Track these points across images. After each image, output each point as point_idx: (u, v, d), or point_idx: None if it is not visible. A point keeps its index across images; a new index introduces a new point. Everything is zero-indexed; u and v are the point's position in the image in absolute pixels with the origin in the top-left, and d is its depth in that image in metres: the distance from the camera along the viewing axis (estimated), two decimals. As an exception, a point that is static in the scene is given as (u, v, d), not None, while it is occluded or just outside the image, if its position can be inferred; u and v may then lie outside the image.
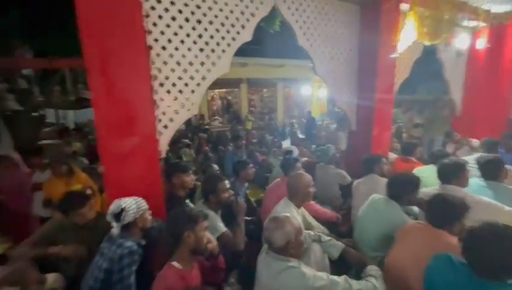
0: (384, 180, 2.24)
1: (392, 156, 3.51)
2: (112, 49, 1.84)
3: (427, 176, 2.43)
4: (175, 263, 1.34)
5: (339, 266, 1.79)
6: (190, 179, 2.31)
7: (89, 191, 2.26)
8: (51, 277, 1.38)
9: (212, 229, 1.79)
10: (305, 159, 3.88)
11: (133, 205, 1.63)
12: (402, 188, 1.98)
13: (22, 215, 3.19)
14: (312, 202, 2.51)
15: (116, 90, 1.90)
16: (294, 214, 1.84)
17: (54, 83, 3.29)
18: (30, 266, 1.27)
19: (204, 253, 1.45)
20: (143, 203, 1.71)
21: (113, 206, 1.61)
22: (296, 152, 4.17)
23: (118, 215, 1.58)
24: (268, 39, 6.75)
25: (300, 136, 7.54)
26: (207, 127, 8.49)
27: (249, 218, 2.57)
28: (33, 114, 4.10)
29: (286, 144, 5.90)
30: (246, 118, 9.78)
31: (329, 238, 1.82)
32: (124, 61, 1.89)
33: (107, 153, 1.94)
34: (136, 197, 1.71)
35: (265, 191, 2.92)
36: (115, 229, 1.59)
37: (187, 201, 2.33)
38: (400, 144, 3.94)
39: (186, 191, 2.37)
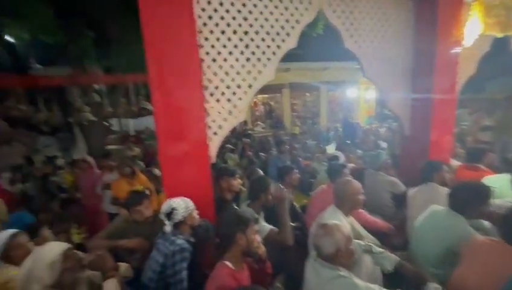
0: (445, 190, 2.03)
1: (455, 163, 3.15)
2: (170, 65, 2.05)
3: (501, 186, 2.13)
4: (227, 263, 1.41)
5: (392, 280, 1.68)
6: (237, 182, 2.41)
7: (147, 191, 2.53)
8: (123, 266, 1.58)
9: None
10: (352, 165, 3.72)
11: (182, 205, 1.79)
12: (467, 199, 1.77)
13: (94, 211, 3.69)
14: (361, 211, 2.39)
15: (173, 100, 2.10)
16: (343, 222, 1.78)
17: (120, 95, 3.79)
18: (107, 255, 1.48)
19: (254, 256, 1.50)
20: (191, 203, 1.86)
21: (165, 206, 1.78)
22: (342, 158, 4.02)
23: (169, 214, 1.75)
24: (311, 43, 6.67)
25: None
26: (250, 132, 8.71)
27: (293, 224, 2.57)
28: (103, 123, 4.78)
29: (330, 149, 5.72)
30: (293, 122, 9.76)
31: (381, 250, 1.72)
32: (180, 75, 2.09)
33: (165, 158, 2.15)
34: (185, 198, 1.87)
35: (309, 197, 2.88)
36: (167, 226, 1.76)
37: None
38: (465, 150, 3.50)
39: (233, 195, 2.48)
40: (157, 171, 4.82)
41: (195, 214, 1.88)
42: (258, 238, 1.57)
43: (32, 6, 4.06)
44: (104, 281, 1.41)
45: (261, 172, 3.43)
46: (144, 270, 1.79)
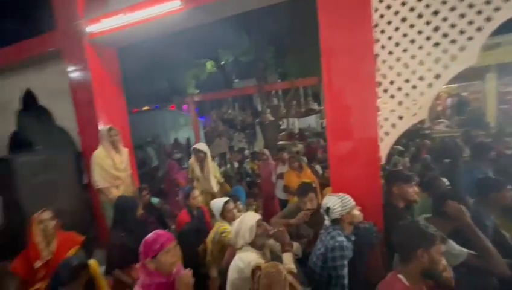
0: None
1: None
2: (343, 65, 2.11)
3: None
4: (401, 277, 1.29)
5: None
6: (413, 190, 2.09)
7: (314, 185, 2.74)
8: (295, 245, 1.84)
9: (449, 255, 1.50)
10: None
11: (337, 204, 1.78)
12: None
13: (268, 195, 4.47)
14: None
15: (344, 99, 2.15)
16: None
17: (292, 98, 4.39)
18: (286, 232, 1.78)
19: (438, 279, 1.27)
20: (349, 202, 1.81)
21: (323, 203, 1.86)
22: None
23: (326, 211, 1.80)
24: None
25: None
26: (427, 131, 7.16)
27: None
28: (277, 122, 5.71)
29: None
30: (500, 119, 7.05)
31: None
32: (353, 73, 2.10)
33: (334, 155, 2.25)
34: (344, 195, 1.84)
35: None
36: (327, 221, 1.84)
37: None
38: None
39: (406, 203, 2.18)
40: (318, 167, 5.11)
41: (356, 212, 1.83)
42: (444, 261, 1.30)
43: (238, 35, 5.54)
44: (283, 253, 1.71)
45: (445, 182, 2.76)
46: (310, 256, 1.99)
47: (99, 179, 2.72)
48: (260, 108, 5.36)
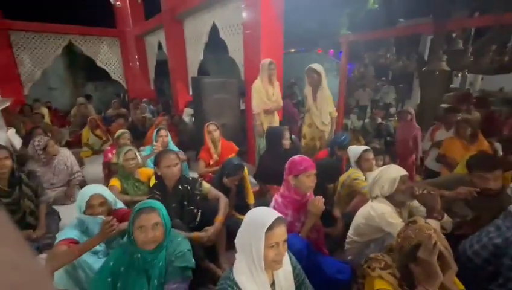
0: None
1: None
2: None
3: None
4: None
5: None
6: None
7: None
8: (446, 218, 1.55)
9: None
10: None
11: None
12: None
13: (404, 161, 3.81)
14: None
15: None
16: None
17: (490, 41, 3.04)
18: (438, 199, 1.52)
19: None
20: None
21: None
22: None
23: None
24: None
25: None
26: None
27: None
28: (451, 77, 4.30)
29: None
30: None
31: None
32: None
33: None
34: None
35: None
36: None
37: None
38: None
39: None
40: (497, 146, 3.74)
41: None
42: None
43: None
44: (428, 219, 1.50)
45: None
46: (467, 239, 1.62)
47: (255, 106, 3.19)
48: (429, 54, 4.15)
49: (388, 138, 5.40)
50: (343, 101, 4.72)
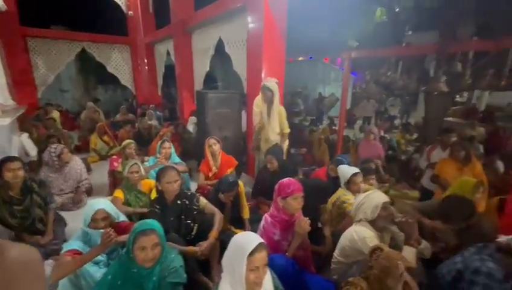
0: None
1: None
2: None
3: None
4: None
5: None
6: None
7: (482, 188, 2.13)
8: (424, 244, 1.64)
9: None
10: None
11: None
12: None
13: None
14: None
15: None
16: None
17: (490, 64, 3.08)
18: (416, 226, 1.60)
19: None
20: None
21: None
22: None
23: None
24: None
25: None
26: None
27: None
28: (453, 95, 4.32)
29: None
30: None
31: None
32: None
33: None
34: None
35: None
36: None
37: None
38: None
39: None
40: (499, 164, 3.75)
41: None
42: None
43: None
44: (405, 245, 1.59)
45: None
46: (442, 264, 1.71)
47: (253, 120, 3.29)
48: (433, 73, 4.21)
49: (390, 152, 5.41)
50: (344, 113, 4.81)
